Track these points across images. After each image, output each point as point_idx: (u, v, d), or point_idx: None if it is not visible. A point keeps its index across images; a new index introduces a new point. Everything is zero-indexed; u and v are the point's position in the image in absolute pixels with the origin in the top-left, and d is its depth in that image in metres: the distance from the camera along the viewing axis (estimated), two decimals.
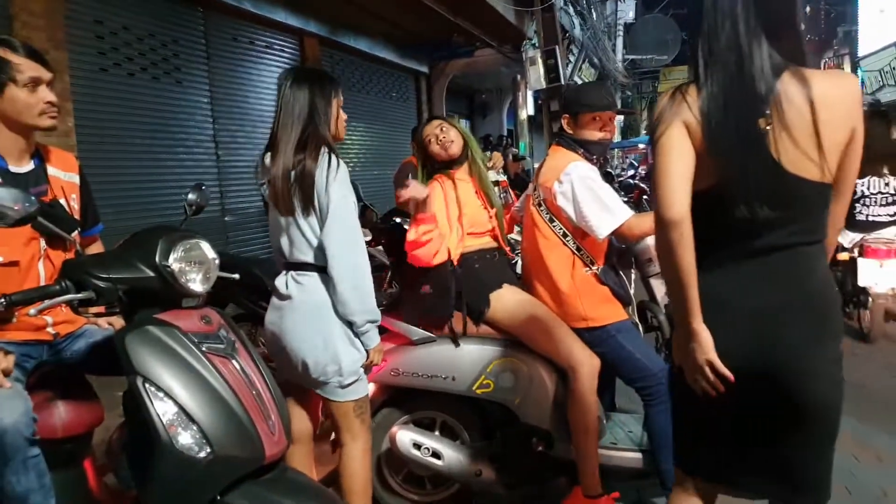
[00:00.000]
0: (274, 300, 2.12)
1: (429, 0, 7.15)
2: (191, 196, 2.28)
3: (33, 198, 1.64)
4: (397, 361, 2.43)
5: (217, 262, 1.73)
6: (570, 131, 2.52)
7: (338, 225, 1.96)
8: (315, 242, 2.02)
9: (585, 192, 2.34)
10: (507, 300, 2.45)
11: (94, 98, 4.97)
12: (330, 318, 2.01)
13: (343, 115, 2.14)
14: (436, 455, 2.40)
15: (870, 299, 4.62)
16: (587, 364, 2.34)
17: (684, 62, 25.94)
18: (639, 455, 2.50)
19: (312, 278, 2.04)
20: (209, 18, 6.20)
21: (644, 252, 2.62)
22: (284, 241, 2.08)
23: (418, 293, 2.41)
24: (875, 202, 4.73)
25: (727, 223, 1.45)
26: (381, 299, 2.62)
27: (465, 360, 2.40)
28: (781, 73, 1.40)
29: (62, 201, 1.95)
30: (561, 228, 2.44)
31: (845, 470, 2.91)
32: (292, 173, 1.97)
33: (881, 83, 18.02)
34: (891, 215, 4.67)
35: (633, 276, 2.72)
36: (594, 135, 2.49)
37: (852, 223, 4.74)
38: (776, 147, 1.38)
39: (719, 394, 1.48)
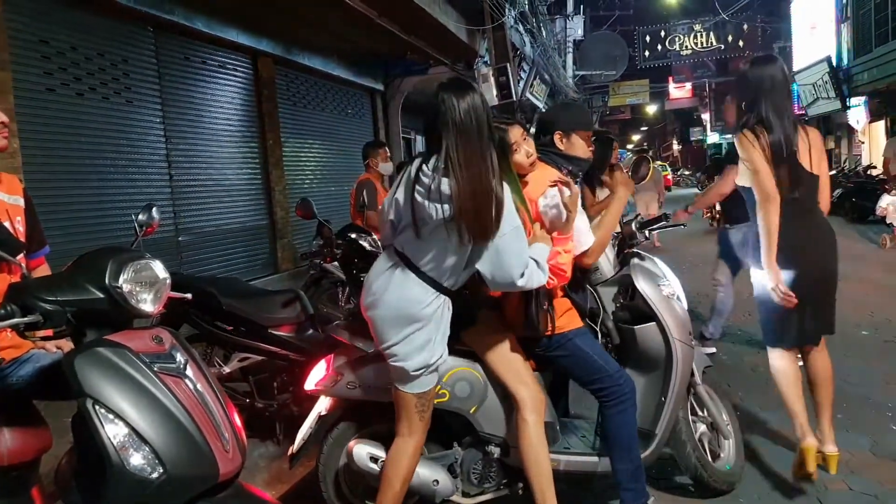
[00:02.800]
0: (377, 278, 2.19)
1: (381, 19, 7.22)
2: (141, 216, 2.28)
3: None
4: (353, 374, 2.45)
5: (168, 281, 1.73)
6: (562, 147, 2.60)
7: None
8: (452, 263, 2.10)
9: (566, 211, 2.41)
10: (481, 322, 2.48)
11: (41, 118, 4.87)
12: (420, 327, 2.13)
13: None
14: None
15: None
16: (532, 399, 2.39)
17: (632, 77, 26.75)
18: (593, 458, 2.57)
19: (424, 290, 2.12)
20: (160, 38, 6.15)
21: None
22: (418, 252, 2.12)
23: (521, 312, 2.34)
24: None
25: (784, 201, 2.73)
26: (338, 314, 2.64)
27: None
28: (797, 125, 2.80)
29: (6, 224, 1.93)
30: None
31: (788, 462, 3.04)
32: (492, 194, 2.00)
33: (815, 96, 18.79)
34: None
35: None
36: (585, 152, 2.61)
37: None
38: (801, 159, 2.77)
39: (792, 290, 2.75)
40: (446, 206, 1.99)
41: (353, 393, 2.46)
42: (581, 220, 2.44)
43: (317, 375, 2.52)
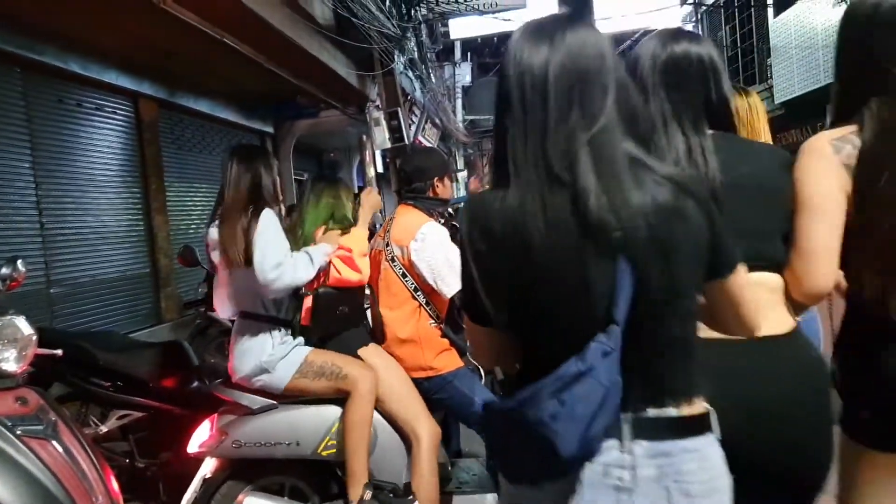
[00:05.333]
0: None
1: (270, 63, 7.20)
2: (3, 270, 2.14)
3: None
4: (238, 433, 2.39)
5: (35, 338, 1.65)
6: (439, 192, 2.73)
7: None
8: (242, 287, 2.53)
9: (440, 254, 2.52)
10: (372, 360, 2.51)
11: None
12: (251, 351, 2.44)
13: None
14: None
15: None
16: (429, 433, 2.44)
17: None
18: (484, 496, 2.63)
19: (240, 325, 2.56)
20: (29, 79, 5.82)
21: None
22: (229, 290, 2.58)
23: (334, 316, 2.49)
24: None
25: None
26: (226, 364, 2.59)
27: (308, 423, 2.41)
28: None
29: None
30: (412, 283, 2.58)
31: None
32: None
33: None
34: None
35: None
36: (449, 194, 2.80)
37: None
38: None
39: None
40: (216, 252, 2.52)
41: (239, 451, 2.40)
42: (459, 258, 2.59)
43: (200, 437, 2.45)
